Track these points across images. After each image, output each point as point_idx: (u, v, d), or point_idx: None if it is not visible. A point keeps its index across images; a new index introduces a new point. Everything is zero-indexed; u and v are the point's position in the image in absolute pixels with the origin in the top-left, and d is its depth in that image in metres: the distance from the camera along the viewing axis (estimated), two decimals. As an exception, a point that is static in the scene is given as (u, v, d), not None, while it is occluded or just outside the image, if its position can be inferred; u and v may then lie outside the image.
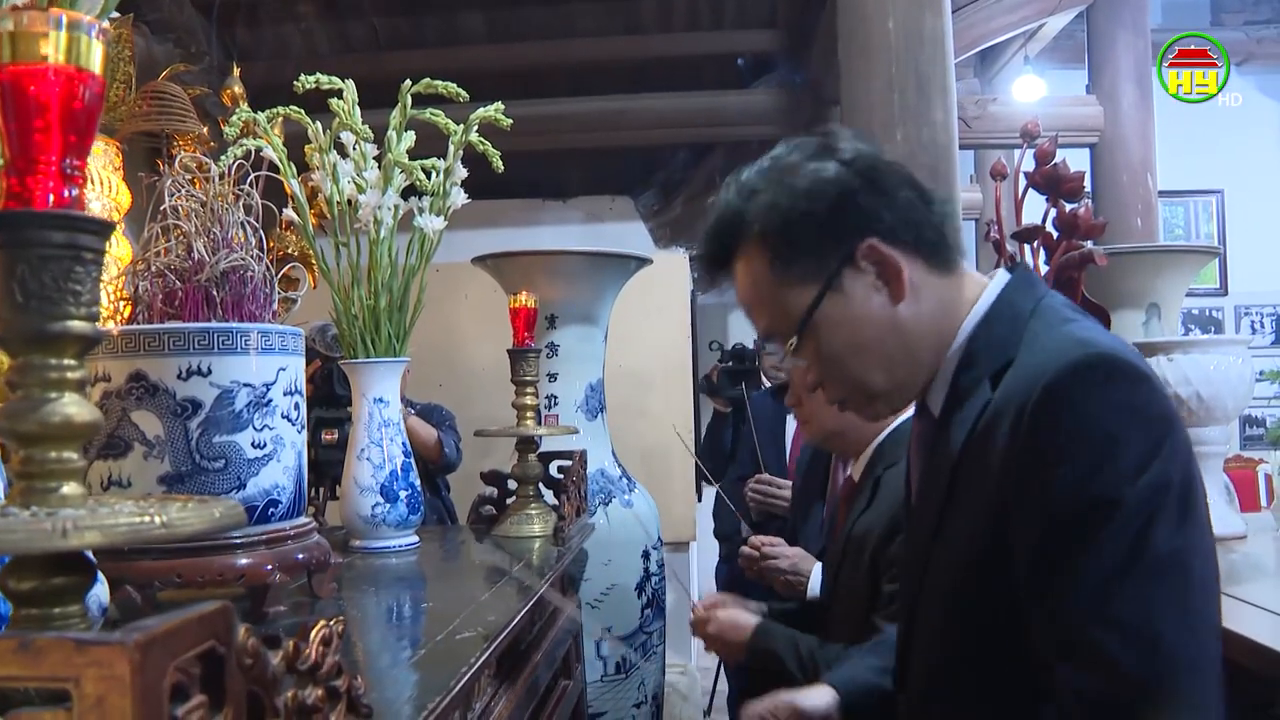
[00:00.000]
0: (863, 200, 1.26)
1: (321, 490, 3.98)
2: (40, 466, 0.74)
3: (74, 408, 0.74)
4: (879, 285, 1.26)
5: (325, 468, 3.97)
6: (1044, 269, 2.86)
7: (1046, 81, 7.64)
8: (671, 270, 6.04)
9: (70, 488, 0.74)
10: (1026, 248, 2.90)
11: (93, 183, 2.84)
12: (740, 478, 3.67)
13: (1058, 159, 2.90)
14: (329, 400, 4.17)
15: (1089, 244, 2.88)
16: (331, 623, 0.88)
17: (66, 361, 0.74)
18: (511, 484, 2.85)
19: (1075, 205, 2.87)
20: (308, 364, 4.15)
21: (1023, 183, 2.95)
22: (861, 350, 1.28)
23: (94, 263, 0.75)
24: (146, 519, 0.67)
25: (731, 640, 2.16)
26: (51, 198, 0.74)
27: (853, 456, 2.22)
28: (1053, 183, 2.87)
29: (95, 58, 0.77)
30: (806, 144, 1.32)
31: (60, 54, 0.75)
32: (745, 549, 2.57)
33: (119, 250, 2.85)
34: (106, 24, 1.32)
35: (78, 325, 0.74)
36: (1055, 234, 2.87)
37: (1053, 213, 2.89)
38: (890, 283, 1.26)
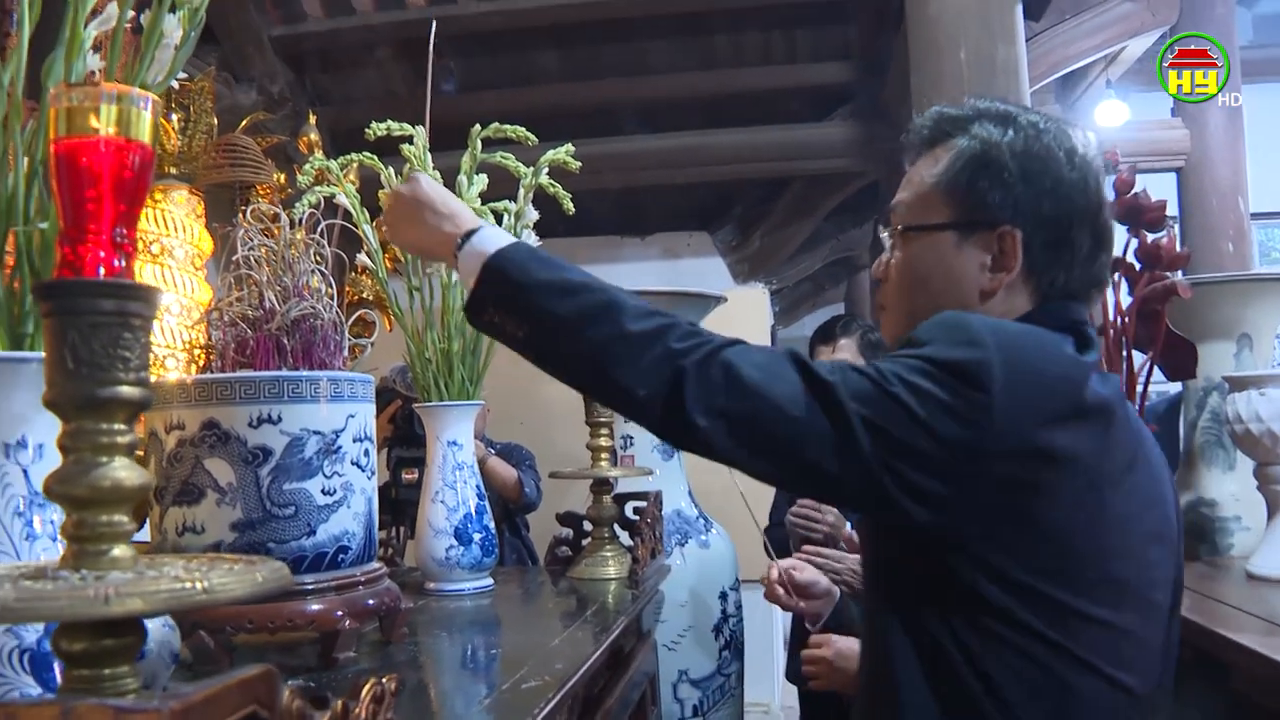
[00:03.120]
0: (1052, 204, 1.28)
1: (401, 530, 4.00)
2: (91, 530, 0.75)
3: (124, 472, 0.75)
4: (985, 265, 1.29)
5: (405, 507, 4.00)
6: (1126, 302, 2.81)
7: (1130, 105, 7.50)
8: (751, 305, 6.02)
9: (120, 550, 0.75)
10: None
11: (176, 229, 2.91)
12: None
13: (1138, 187, 2.84)
14: (409, 440, 4.21)
15: (1174, 275, 2.81)
16: (384, 680, 0.88)
17: (116, 426, 0.76)
18: (587, 525, 2.85)
19: (1158, 235, 2.81)
20: (388, 404, 4.22)
21: (1102, 213, 2.89)
22: (927, 291, 1.33)
23: (142, 329, 0.76)
24: (188, 585, 0.68)
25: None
26: (102, 268, 0.76)
27: None
28: (1133, 213, 2.81)
29: (145, 127, 0.79)
30: (1085, 141, 1.34)
31: (110, 125, 0.77)
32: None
33: (200, 295, 2.92)
34: (175, 83, 1.35)
35: (127, 391, 0.75)
36: (1137, 265, 2.81)
37: (1134, 244, 2.83)
38: (994, 274, 1.29)
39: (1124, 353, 2.80)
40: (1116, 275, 2.82)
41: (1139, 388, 2.79)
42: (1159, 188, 2.90)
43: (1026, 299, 1.30)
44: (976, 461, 1.13)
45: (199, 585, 0.69)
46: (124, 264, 0.77)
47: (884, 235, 1.41)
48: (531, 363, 1.31)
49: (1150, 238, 2.79)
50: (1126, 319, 2.77)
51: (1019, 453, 1.13)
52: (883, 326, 1.45)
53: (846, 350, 3.56)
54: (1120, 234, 2.82)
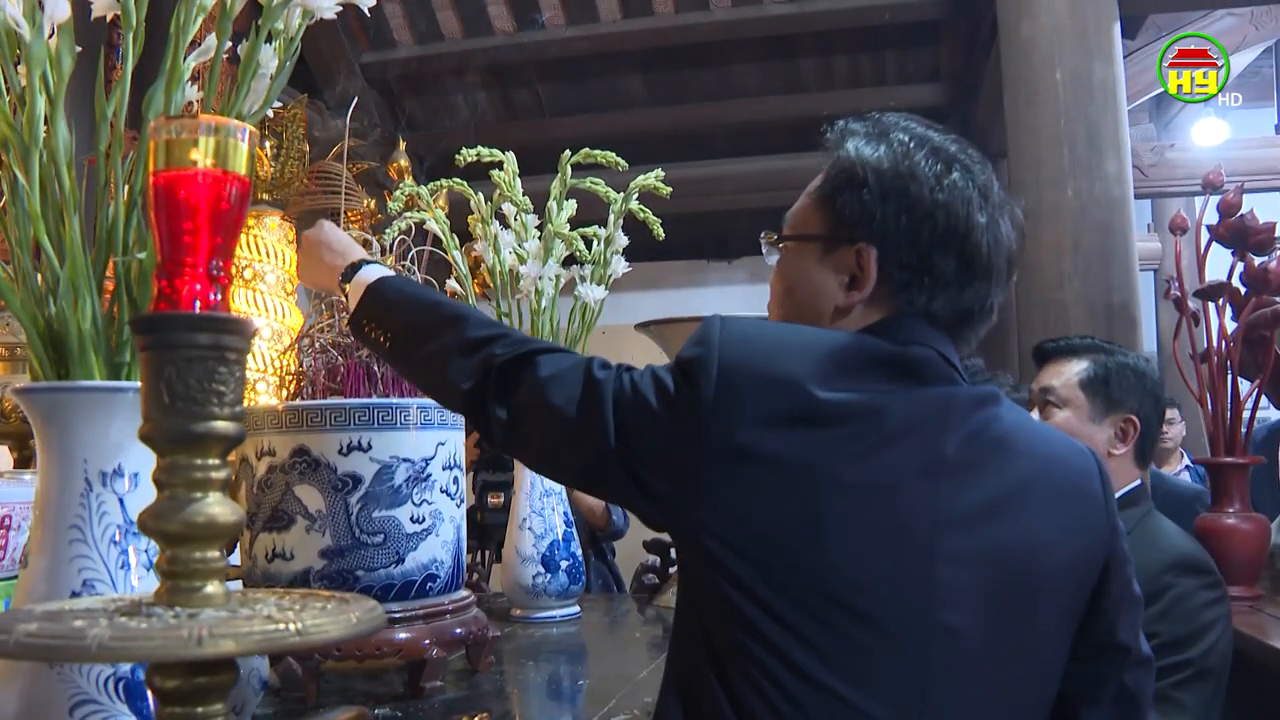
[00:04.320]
0: (909, 224, 1.24)
1: (486, 554, 4.01)
2: (185, 566, 0.74)
3: (217, 507, 0.74)
4: (843, 282, 1.27)
5: (491, 531, 4.01)
6: (1230, 328, 2.72)
7: (1230, 123, 7.29)
8: (837, 329, 5.95)
9: (213, 587, 0.75)
10: (1211, 306, 2.76)
11: (267, 255, 2.95)
12: None
13: (1244, 209, 2.76)
14: (496, 464, 4.22)
15: (1282, 300, 2.73)
16: (477, 718, 0.87)
17: (211, 461, 0.75)
18: (674, 553, 2.82)
19: (1265, 259, 2.72)
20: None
21: (1205, 236, 2.81)
22: (791, 301, 1.34)
23: (237, 363, 0.75)
24: (281, 627, 0.67)
25: None
26: (198, 302, 0.75)
27: None
28: (1240, 235, 2.73)
29: (242, 159, 0.78)
30: (971, 167, 1.28)
31: (209, 158, 0.77)
32: None
33: (291, 320, 2.95)
34: (271, 111, 1.36)
35: (221, 426, 0.74)
36: (1243, 290, 2.73)
37: (1240, 267, 2.75)
38: (849, 291, 1.27)
39: (1228, 379, 2.71)
40: (1221, 300, 2.74)
41: (1245, 415, 2.71)
42: (1264, 208, 2.80)
43: (879, 318, 1.27)
44: (691, 457, 1.13)
45: (292, 627, 0.68)
46: (219, 297, 0.77)
47: (764, 244, 1.42)
48: (394, 368, 1.60)
49: (1257, 261, 2.71)
50: (1231, 344, 2.69)
51: (728, 451, 1.11)
52: None
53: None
54: (1226, 257, 2.75)
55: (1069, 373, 2.25)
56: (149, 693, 1.03)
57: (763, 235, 1.43)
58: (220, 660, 0.74)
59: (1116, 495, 2.07)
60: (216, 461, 0.75)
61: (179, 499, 0.74)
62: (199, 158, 0.77)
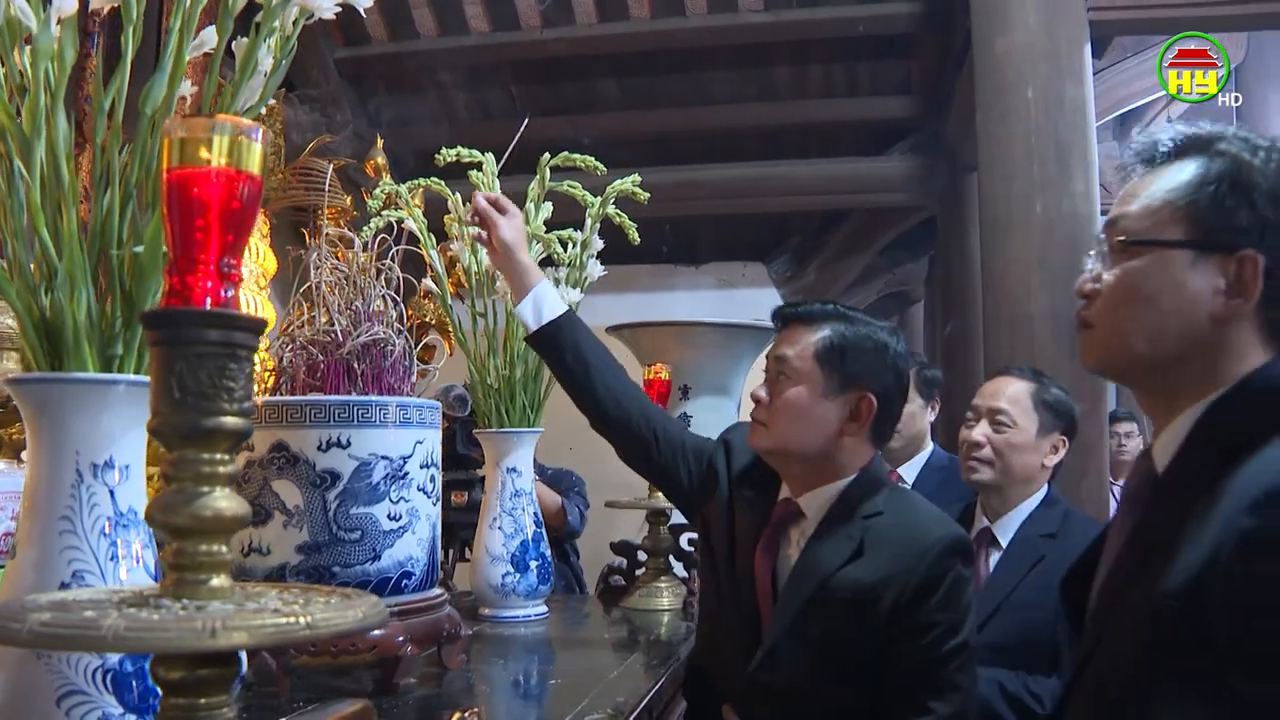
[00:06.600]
0: None
1: (451, 552, 4.00)
2: (191, 559, 0.75)
3: (225, 502, 0.76)
4: (1220, 290, 1.20)
5: (455, 530, 3.99)
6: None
7: (1192, 145, 7.37)
8: (804, 336, 5.99)
9: (219, 580, 0.76)
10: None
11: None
12: None
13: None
14: (455, 461, 4.19)
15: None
16: (467, 714, 0.88)
17: (219, 456, 0.76)
18: (641, 555, 2.84)
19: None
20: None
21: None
22: (1152, 310, 1.24)
23: (247, 360, 0.77)
24: (292, 620, 0.68)
25: None
26: (209, 298, 0.76)
27: (798, 485, 1.89)
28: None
29: (254, 158, 0.79)
30: None
31: (222, 156, 0.78)
32: None
33: (262, 314, 2.94)
34: (263, 110, 1.36)
35: (230, 421, 0.75)
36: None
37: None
38: (1228, 299, 1.19)
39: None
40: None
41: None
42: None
43: (1254, 334, 1.21)
44: None
45: (303, 620, 0.69)
46: (231, 294, 0.78)
47: (1097, 251, 1.31)
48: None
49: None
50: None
51: None
52: (1083, 346, 1.33)
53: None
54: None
55: (805, 342, 1.94)
56: (134, 681, 1.04)
57: (1106, 237, 1.31)
58: (226, 653, 0.75)
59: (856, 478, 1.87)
60: (224, 456, 0.76)
61: (187, 492, 0.75)
62: (212, 157, 0.78)
